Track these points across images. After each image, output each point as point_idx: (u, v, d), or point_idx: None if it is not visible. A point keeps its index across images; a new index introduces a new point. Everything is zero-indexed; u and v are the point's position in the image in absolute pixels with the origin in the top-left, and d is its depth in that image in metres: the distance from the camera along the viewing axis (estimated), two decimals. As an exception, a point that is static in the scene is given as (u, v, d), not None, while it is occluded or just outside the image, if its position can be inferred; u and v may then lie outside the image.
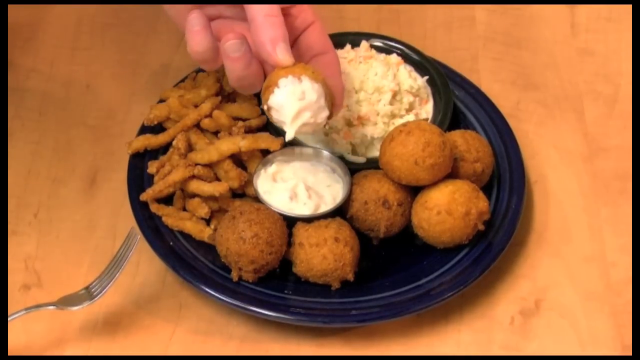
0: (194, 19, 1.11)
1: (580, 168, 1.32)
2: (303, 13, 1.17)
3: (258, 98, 1.27)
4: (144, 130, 1.27)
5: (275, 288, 1.15)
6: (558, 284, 1.20)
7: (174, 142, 1.23)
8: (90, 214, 1.25)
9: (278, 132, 1.25)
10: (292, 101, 1.10)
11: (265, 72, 1.14)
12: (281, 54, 1.09)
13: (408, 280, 1.16)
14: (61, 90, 1.38)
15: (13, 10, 1.39)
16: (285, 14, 1.12)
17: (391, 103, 1.27)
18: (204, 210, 1.19)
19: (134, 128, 1.28)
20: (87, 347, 1.13)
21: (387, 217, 1.18)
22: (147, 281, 1.19)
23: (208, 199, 1.20)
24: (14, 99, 1.35)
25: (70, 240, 1.22)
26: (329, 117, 1.14)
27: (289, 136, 1.12)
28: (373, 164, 1.22)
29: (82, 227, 1.23)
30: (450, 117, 1.29)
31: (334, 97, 1.14)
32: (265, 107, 1.12)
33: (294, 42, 1.16)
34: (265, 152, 1.22)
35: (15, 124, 1.33)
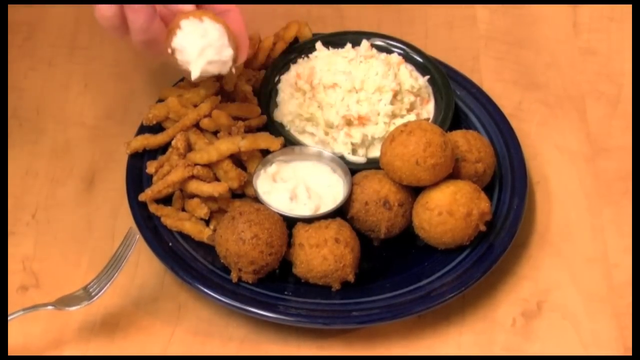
0: None
1: (582, 168, 1.32)
2: None
3: (258, 98, 1.28)
4: (143, 130, 1.26)
5: (275, 289, 1.15)
6: (560, 285, 1.20)
7: (173, 142, 1.23)
8: (88, 214, 1.24)
9: (278, 132, 1.25)
10: (195, 39, 1.12)
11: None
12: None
13: (409, 282, 1.16)
14: (59, 89, 1.38)
15: (11, 9, 1.39)
16: None
17: (392, 103, 1.27)
18: (203, 211, 1.19)
19: (132, 128, 1.28)
20: (85, 349, 1.12)
21: (387, 217, 1.17)
22: (146, 282, 1.18)
23: (207, 199, 1.20)
24: (12, 98, 1.35)
25: (68, 240, 1.22)
26: (235, 62, 1.15)
27: (194, 75, 1.14)
28: (374, 164, 1.22)
29: (81, 228, 1.23)
30: (451, 117, 1.29)
31: (239, 43, 1.16)
32: (169, 51, 1.13)
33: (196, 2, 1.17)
34: (265, 152, 1.22)
35: (13, 123, 1.33)
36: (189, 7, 1.12)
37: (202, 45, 1.12)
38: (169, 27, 1.13)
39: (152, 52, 1.17)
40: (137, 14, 1.11)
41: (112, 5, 1.11)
